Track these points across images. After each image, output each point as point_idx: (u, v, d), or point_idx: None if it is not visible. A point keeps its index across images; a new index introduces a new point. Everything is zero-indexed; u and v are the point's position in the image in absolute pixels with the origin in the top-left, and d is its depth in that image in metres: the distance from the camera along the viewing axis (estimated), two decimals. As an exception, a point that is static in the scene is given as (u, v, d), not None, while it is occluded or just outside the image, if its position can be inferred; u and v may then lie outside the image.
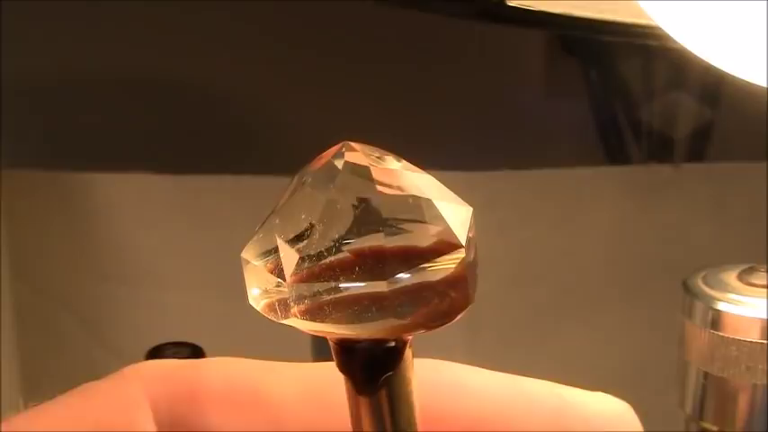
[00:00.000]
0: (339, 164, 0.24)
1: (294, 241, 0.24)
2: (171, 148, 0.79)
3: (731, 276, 0.49)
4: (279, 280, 0.23)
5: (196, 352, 0.56)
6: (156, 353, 0.57)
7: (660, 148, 0.81)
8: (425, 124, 0.79)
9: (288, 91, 0.77)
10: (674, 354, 0.53)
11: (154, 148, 0.79)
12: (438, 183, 0.25)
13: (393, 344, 0.25)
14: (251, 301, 0.24)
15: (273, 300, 0.24)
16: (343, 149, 0.25)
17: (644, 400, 0.70)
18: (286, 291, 0.23)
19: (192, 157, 0.79)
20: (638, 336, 0.77)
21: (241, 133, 0.78)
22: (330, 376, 0.26)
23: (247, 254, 0.24)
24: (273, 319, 0.24)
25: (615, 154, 0.83)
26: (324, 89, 0.78)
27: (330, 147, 0.25)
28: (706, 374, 0.48)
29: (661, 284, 0.76)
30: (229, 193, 0.78)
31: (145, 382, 0.28)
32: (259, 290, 0.24)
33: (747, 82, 0.61)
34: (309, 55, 0.77)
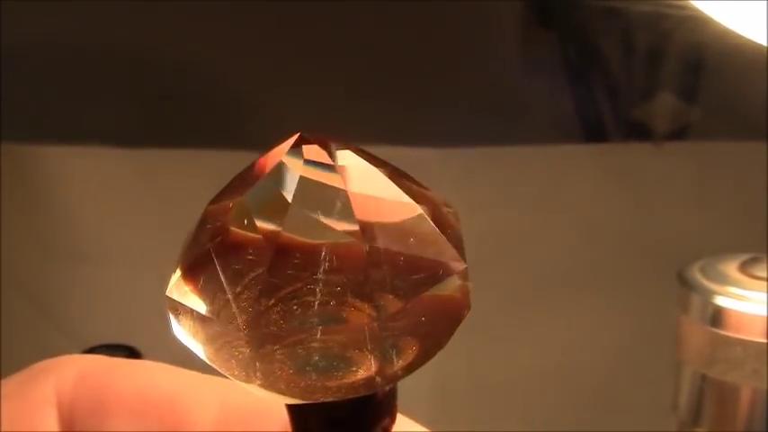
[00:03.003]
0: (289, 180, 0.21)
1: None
2: (126, 120, 0.76)
3: (732, 267, 0.45)
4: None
5: (132, 355, 0.52)
6: None
7: (640, 126, 0.79)
8: (396, 100, 0.76)
9: (247, 64, 0.75)
10: (662, 345, 0.50)
11: (109, 120, 0.76)
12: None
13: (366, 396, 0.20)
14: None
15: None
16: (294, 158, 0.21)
17: (630, 398, 0.68)
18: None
19: (148, 131, 0.77)
20: (619, 325, 0.75)
21: (199, 106, 0.76)
22: (258, 403, 0.24)
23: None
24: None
25: (593, 131, 0.81)
26: (285, 63, 0.75)
27: (281, 141, 0.21)
28: (704, 376, 0.44)
29: (641, 267, 0.74)
30: (187, 168, 0.75)
31: (56, 380, 0.27)
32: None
33: (729, 59, 0.59)
34: (270, 28, 0.75)
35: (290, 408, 0.22)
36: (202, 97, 0.75)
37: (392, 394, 0.22)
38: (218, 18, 0.74)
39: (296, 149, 0.21)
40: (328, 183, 0.20)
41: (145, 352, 0.54)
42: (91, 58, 0.74)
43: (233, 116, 0.75)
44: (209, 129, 0.76)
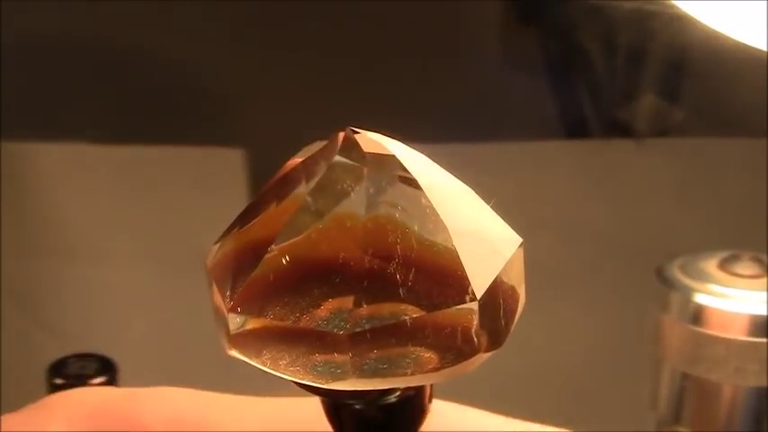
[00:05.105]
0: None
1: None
2: (109, 117, 0.75)
3: (711, 265, 0.45)
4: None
5: (105, 365, 0.51)
6: (58, 368, 0.52)
7: (621, 122, 0.79)
8: (377, 96, 0.75)
9: (230, 62, 0.74)
10: (641, 343, 0.50)
11: (91, 117, 0.75)
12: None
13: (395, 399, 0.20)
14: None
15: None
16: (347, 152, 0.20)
17: (609, 397, 0.67)
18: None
19: (130, 127, 0.76)
20: (599, 323, 0.74)
21: (183, 103, 0.75)
22: (295, 415, 0.23)
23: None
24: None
25: (575, 128, 0.80)
26: (269, 60, 0.75)
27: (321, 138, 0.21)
28: (685, 374, 0.44)
29: (622, 265, 0.74)
30: (170, 165, 0.75)
31: (69, 417, 0.25)
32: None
33: (712, 55, 0.59)
34: (253, 25, 0.74)
35: (332, 410, 0.21)
36: (186, 94, 0.75)
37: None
38: (203, 15, 0.73)
39: (351, 144, 0.20)
40: (393, 173, 0.20)
41: (123, 355, 0.53)
42: (74, 56, 0.73)
43: (216, 113, 0.75)
44: (193, 126, 0.75)
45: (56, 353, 0.54)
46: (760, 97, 0.67)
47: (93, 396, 0.27)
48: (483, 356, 0.20)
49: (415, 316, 0.19)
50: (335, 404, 0.21)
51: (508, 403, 0.75)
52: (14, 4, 0.71)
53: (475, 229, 0.20)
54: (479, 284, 0.19)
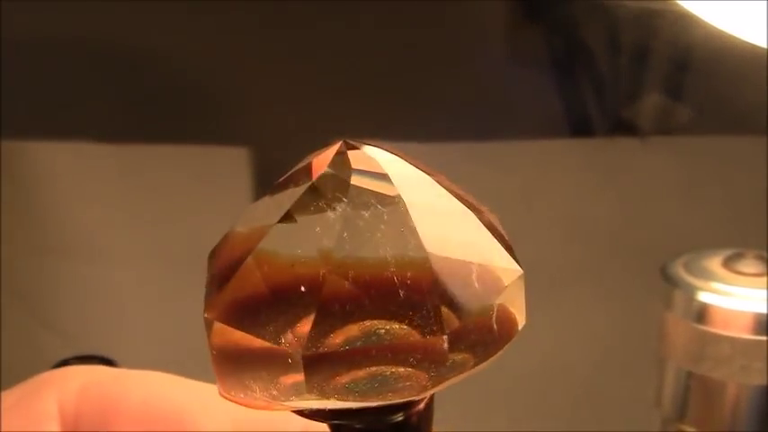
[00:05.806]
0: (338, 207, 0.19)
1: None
2: (112, 115, 0.75)
3: (715, 263, 0.45)
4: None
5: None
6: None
7: (626, 121, 0.79)
8: (383, 96, 0.75)
9: (233, 61, 0.74)
10: (646, 341, 0.50)
11: (94, 115, 0.75)
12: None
13: (402, 417, 0.20)
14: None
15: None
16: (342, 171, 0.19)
17: (613, 395, 0.67)
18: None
19: (133, 126, 0.76)
20: (603, 321, 0.74)
21: (186, 101, 0.75)
22: (270, 415, 0.23)
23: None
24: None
25: (579, 126, 0.80)
26: (272, 59, 0.74)
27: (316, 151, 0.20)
28: (689, 373, 0.44)
29: (628, 264, 0.74)
30: (174, 163, 0.75)
31: (58, 393, 0.27)
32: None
33: (715, 54, 0.59)
34: (257, 25, 0.74)
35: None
36: (190, 93, 0.75)
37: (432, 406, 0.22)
38: (205, 15, 0.73)
39: (341, 158, 0.19)
40: (382, 192, 0.19)
41: (125, 355, 0.53)
42: (77, 55, 0.73)
43: (220, 112, 0.75)
44: (197, 124, 0.75)
45: (57, 353, 0.54)
46: (762, 95, 0.67)
47: (84, 374, 0.28)
48: (509, 341, 0.20)
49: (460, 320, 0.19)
50: (344, 425, 0.21)
51: (513, 401, 0.75)
52: (15, 4, 0.71)
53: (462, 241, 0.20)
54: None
